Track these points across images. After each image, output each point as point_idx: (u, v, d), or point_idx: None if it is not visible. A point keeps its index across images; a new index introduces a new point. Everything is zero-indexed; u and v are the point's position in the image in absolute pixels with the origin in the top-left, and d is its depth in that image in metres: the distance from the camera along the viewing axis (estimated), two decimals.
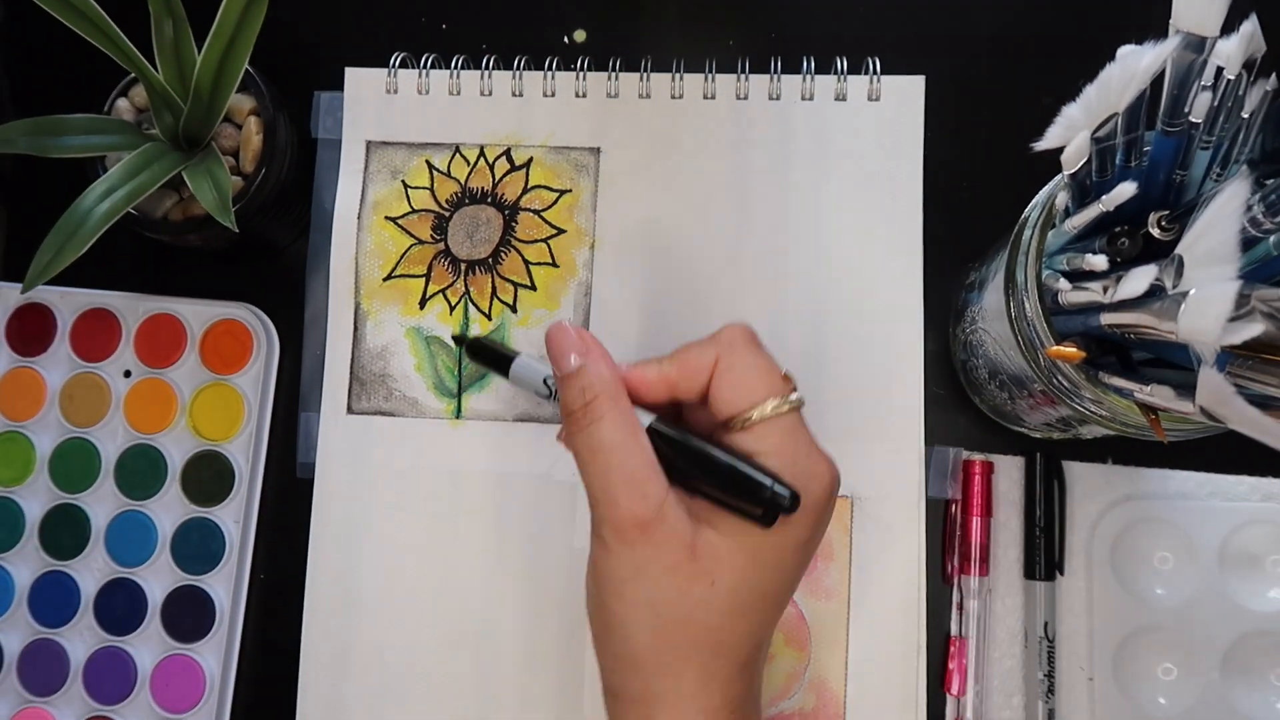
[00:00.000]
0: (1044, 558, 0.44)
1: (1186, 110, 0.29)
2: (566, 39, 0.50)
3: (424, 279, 0.48)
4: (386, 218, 0.48)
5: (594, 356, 0.34)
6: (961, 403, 0.46)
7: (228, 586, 0.46)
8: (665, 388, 0.34)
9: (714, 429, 0.34)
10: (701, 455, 0.33)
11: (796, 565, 0.33)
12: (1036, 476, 0.44)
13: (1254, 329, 0.24)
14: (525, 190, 0.48)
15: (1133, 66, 0.28)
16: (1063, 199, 0.33)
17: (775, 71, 0.47)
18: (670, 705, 0.32)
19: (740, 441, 0.33)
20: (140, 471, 0.47)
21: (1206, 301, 0.24)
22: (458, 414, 0.47)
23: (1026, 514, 0.45)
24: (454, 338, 0.46)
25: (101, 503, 0.47)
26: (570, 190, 0.47)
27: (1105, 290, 0.29)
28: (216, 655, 0.46)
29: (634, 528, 0.32)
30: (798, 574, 0.34)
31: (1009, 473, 0.45)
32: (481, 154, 0.48)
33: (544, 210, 0.47)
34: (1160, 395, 0.29)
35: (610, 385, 0.33)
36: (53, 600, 0.47)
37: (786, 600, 0.34)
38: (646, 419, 0.33)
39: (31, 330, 0.48)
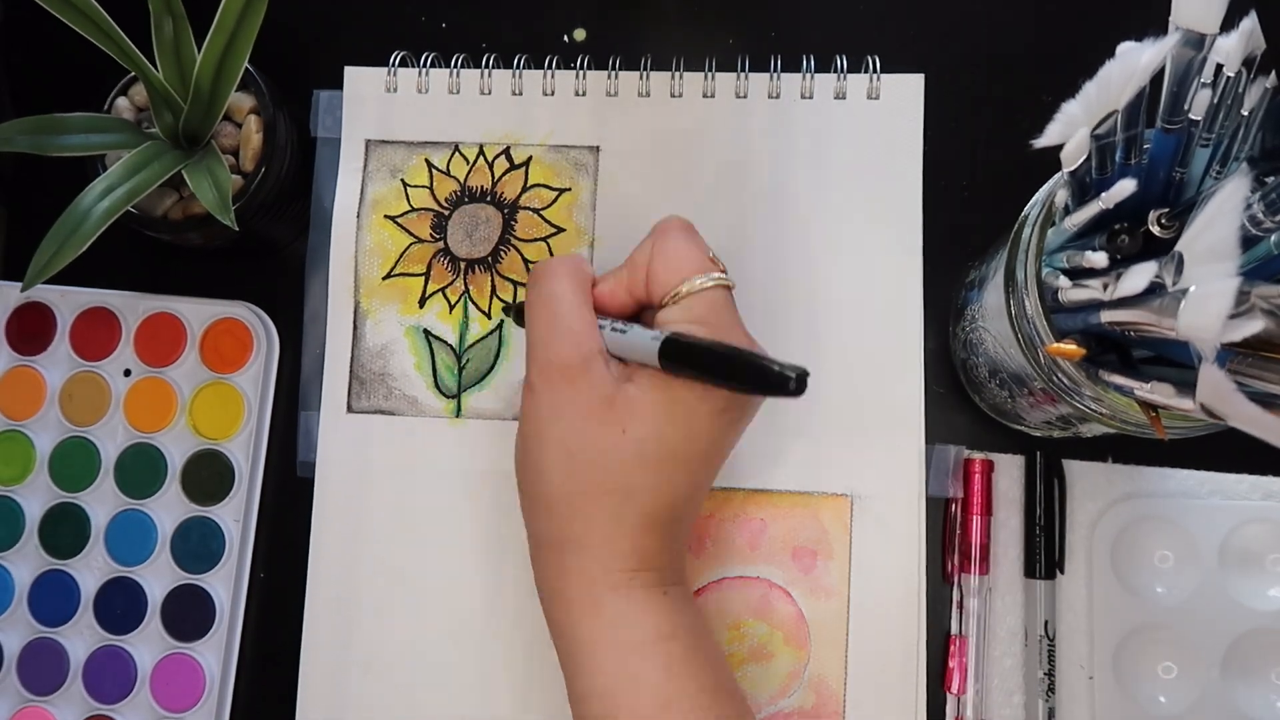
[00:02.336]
0: (1044, 557, 0.44)
1: (1186, 107, 0.29)
2: (566, 38, 0.50)
3: (423, 278, 0.48)
4: (386, 216, 0.48)
5: (575, 259, 0.38)
6: (962, 401, 0.46)
7: (227, 585, 0.46)
8: (624, 291, 0.37)
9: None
10: (707, 350, 0.34)
11: (710, 432, 0.35)
12: (1036, 475, 0.44)
13: (1254, 326, 0.24)
14: (524, 189, 0.48)
15: (1132, 63, 0.28)
16: (1062, 196, 0.33)
17: (775, 70, 0.47)
18: (580, 549, 0.35)
19: (668, 316, 0.36)
20: (140, 470, 0.47)
21: (1206, 298, 0.24)
22: (457, 413, 0.47)
23: (1026, 513, 0.45)
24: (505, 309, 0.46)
25: (101, 502, 0.47)
26: (569, 189, 0.47)
27: (1105, 287, 0.29)
28: (216, 654, 0.46)
29: (559, 372, 0.35)
30: (713, 443, 0.35)
31: (1009, 471, 0.45)
32: (481, 152, 0.48)
33: (543, 209, 0.47)
34: (1160, 393, 0.29)
35: (574, 266, 0.38)
36: (52, 599, 0.47)
37: (701, 469, 0.36)
38: (657, 340, 0.34)
39: (31, 329, 0.48)
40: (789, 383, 0.31)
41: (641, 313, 0.39)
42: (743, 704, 0.36)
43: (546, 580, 0.37)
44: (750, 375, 0.32)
